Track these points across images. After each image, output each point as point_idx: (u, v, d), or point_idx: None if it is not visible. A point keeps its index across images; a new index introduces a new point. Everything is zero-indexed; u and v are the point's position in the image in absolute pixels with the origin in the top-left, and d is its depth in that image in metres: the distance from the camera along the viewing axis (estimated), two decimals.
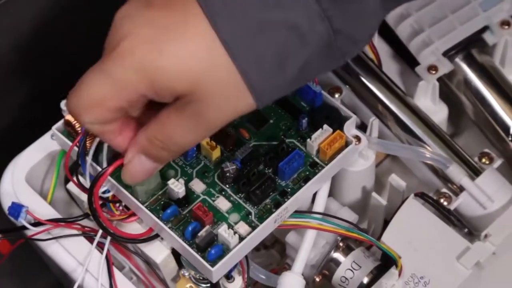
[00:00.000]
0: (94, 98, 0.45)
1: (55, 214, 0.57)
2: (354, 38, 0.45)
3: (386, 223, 0.58)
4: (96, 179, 0.52)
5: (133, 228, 0.55)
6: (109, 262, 0.55)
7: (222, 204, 0.53)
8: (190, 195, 0.53)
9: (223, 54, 0.43)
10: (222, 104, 0.44)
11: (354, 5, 0.44)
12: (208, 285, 0.55)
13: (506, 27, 0.65)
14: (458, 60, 0.65)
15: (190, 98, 0.44)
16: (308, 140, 0.55)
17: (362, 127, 0.62)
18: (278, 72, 0.44)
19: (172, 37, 0.43)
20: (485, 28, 0.66)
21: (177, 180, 0.53)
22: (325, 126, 0.55)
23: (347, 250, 0.57)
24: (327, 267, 0.57)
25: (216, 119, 0.45)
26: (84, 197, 0.56)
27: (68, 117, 0.56)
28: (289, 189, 0.54)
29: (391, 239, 0.55)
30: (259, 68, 0.43)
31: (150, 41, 0.43)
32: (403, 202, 0.57)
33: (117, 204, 0.54)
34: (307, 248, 0.55)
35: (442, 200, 0.59)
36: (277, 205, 0.53)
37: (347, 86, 0.64)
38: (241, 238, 0.52)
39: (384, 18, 0.66)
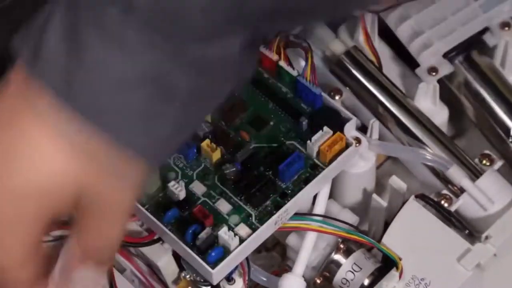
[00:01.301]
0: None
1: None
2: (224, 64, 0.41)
3: (386, 225, 0.58)
4: None
5: (134, 230, 0.55)
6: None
7: (223, 206, 0.53)
8: (190, 197, 0.53)
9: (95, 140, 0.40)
10: (112, 191, 0.42)
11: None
12: (209, 287, 0.55)
13: (507, 28, 0.65)
14: (458, 61, 0.65)
15: (84, 201, 0.41)
16: (308, 142, 0.55)
17: (363, 129, 0.61)
18: (149, 130, 0.41)
19: (20, 164, 0.40)
20: (485, 30, 0.65)
21: (178, 182, 0.53)
22: (325, 128, 0.55)
23: (347, 252, 0.57)
24: (328, 269, 0.57)
25: (118, 210, 0.43)
26: None
27: None
28: (289, 191, 0.54)
29: (391, 241, 0.55)
30: (138, 135, 0.40)
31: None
32: (403, 204, 0.57)
33: None
34: (308, 250, 0.55)
35: (442, 202, 0.59)
36: (278, 207, 0.53)
37: (347, 88, 0.64)
38: (242, 240, 0.52)
39: (384, 20, 0.66)
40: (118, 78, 0.39)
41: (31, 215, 0.41)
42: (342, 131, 0.56)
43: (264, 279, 0.56)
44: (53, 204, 0.41)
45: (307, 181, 0.54)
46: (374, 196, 0.60)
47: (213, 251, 0.51)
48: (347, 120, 0.56)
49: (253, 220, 0.53)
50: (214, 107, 0.45)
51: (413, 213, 0.57)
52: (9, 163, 0.41)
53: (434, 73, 0.64)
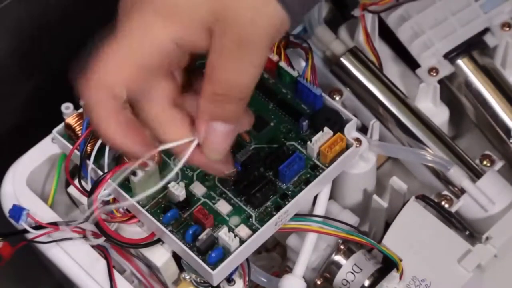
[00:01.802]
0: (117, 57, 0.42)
1: (56, 218, 0.57)
2: None
3: (387, 225, 0.58)
4: (96, 184, 0.52)
5: (134, 231, 0.55)
6: (110, 266, 0.55)
7: (223, 207, 0.53)
8: (190, 198, 0.53)
9: None
10: (252, 18, 0.41)
11: None
12: None
13: (507, 29, 0.65)
14: (459, 62, 0.65)
15: (221, 25, 0.41)
16: (309, 142, 0.55)
17: (363, 129, 0.61)
18: None
19: None
20: (486, 30, 0.65)
21: (178, 183, 0.53)
22: (326, 129, 0.55)
23: (348, 253, 0.57)
24: (328, 270, 0.57)
25: (258, 37, 0.41)
26: (85, 200, 0.56)
27: (69, 120, 0.56)
28: (289, 192, 0.54)
29: (392, 242, 0.55)
30: None
31: None
32: (404, 204, 0.57)
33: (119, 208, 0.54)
34: (308, 251, 0.55)
35: (443, 203, 0.59)
36: (278, 208, 0.53)
37: (348, 89, 0.64)
38: (242, 241, 0.52)
39: (384, 20, 0.66)
40: None
41: (170, 29, 0.41)
42: (342, 131, 0.55)
43: (264, 280, 0.56)
44: (189, 20, 0.41)
45: (307, 182, 0.54)
46: (375, 197, 0.60)
47: (213, 252, 0.51)
48: (347, 120, 0.56)
49: (254, 221, 0.53)
50: None
51: (414, 214, 0.56)
52: None
53: (434, 74, 0.64)
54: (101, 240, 0.54)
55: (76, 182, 0.55)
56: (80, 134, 0.55)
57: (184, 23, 0.41)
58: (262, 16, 0.42)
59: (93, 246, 0.56)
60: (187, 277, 0.55)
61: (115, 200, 0.54)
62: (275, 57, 0.58)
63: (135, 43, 0.42)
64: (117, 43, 0.42)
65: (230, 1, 0.41)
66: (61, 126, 0.56)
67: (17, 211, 0.56)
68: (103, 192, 0.53)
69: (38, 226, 0.55)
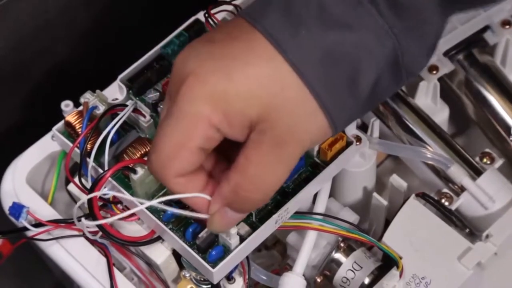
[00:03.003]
0: (173, 145, 0.44)
1: (55, 215, 0.57)
2: (418, 54, 0.44)
3: (387, 223, 0.58)
4: (96, 182, 0.52)
5: (134, 229, 0.55)
6: (110, 263, 0.55)
7: None
8: None
9: (292, 76, 0.43)
10: (295, 125, 0.43)
11: (414, 21, 0.43)
12: (209, 286, 0.55)
13: (507, 26, 0.65)
14: (459, 60, 0.65)
15: (263, 125, 0.43)
16: None
17: (363, 127, 0.61)
18: (349, 92, 0.43)
19: (239, 63, 0.43)
20: (486, 28, 0.65)
21: None
22: None
23: (348, 251, 0.57)
24: (328, 267, 0.57)
25: (294, 145, 0.44)
26: (85, 198, 0.55)
27: (69, 117, 0.56)
28: (290, 190, 0.54)
29: (392, 240, 0.55)
30: (330, 88, 0.43)
31: (217, 69, 0.43)
32: (404, 202, 0.57)
33: (118, 205, 0.54)
34: (308, 249, 0.55)
35: (443, 201, 0.59)
36: (278, 205, 0.53)
37: None
38: (242, 239, 0.52)
39: None
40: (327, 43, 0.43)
41: (215, 117, 0.43)
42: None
43: (265, 278, 0.56)
44: (234, 115, 0.43)
45: (307, 180, 0.54)
46: (375, 194, 0.60)
47: (214, 250, 0.51)
48: None
49: (254, 219, 0.53)
50: (402, 84, 0.46)
51: (414, 212, 0.56)
52: (230, 63, 0.43)
53: (434, 72, 0.64)
54: (98, 236, 0.54)
55: (76, 179, 0.55)
56: (80, 132, 0.54)
57: (230, 120, 0.43)
58: (302, 127, 0.43)
59: (93, 244, 0.56)
60: (187, 275, 0.55)
61: (114, 198, 0.54)
62: None
63: (188, 129, 0.44)
64: (171, 127, 0.44)
65: (280, 105, 0.43)
66: (61, 123, 0.56)
67: (17, 208, 0.56)
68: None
69: (38, 224, 0.55)
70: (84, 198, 0.51)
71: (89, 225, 0.52)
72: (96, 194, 0.51)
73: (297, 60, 0.42)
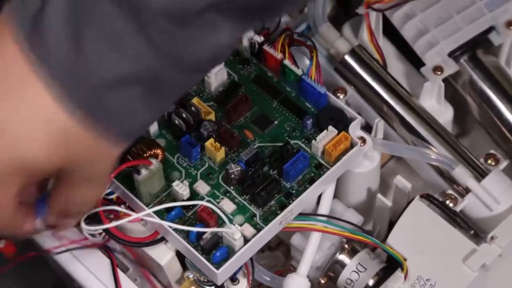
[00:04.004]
0: None
1: None
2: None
3: (391, 224, 0.57)
4: None
5: (138, 230, 0.54)
6: (114, 264, 0.55)
7: (227, 206, 0.53)
8: (194, 197, 0.53)
9: (75, 123, 0.42)
10: (96, 162, 0.44)
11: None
12: (213, 287, 0.54)
13: None
14: (463, 60, 0.65)
15: (69, 168, 0.44)
16: (313, 141, 0.55)
17: (367, 128, 0.61)
18: (131, 117, 0.43)
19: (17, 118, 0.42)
20: (490, 29, 0.65)
21: (182, 182, 0.53)
22: (330, 128, 0.55)
23: (352, 252, 0.57)
24: (332, 269, 0.57)
25: (100, 175, 0.45)
26: None
27: None
28: (294, 191, 0.54)
29: (396, 241, 0.55)
30: (113, 121, 0.43)
31: None
32: (408, 203, 0.57)
33: (122, 205, 0.54)
34: (312, 250, 0.55)
35: (447, 202, 0.59)
36: (282, 207, 0.53)
37: (352, 87, 0.64)
38: (246, 240, 0.51)
39: (389, 18, 0.66)
40: (113, 76, 0.41)
41: (15, 183, 0.44)
42: (347, 130, 0.55)
43: (268, 279, 0.56)
44: (33, 176, 0.44)
45: (312, 181, 0.54)
46: (379, 196, 0.60)
47: (218, 251, 0.51)
48: (352, 119, 0.56)
49: (258, 220, 0.52)
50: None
51: (418, 213, 0.56)
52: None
53: (439, 72, 0.64)
54: (101, 238, 0.54)
55: None
56: None
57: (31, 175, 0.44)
58: (103, 161, 0.44)
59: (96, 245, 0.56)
60: (191, 276, 0.55)
61: (118, 199, 0.54)
62: (279, 55, 0.58)
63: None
64: None
65: (71, 152, 0.43)
66: None
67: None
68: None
69: None
70: None
71: (92, 228, 0.52)
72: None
73: (77, 103, 0.42)
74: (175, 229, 0.52)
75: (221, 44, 0.42)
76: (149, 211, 0.51)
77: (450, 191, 0.59)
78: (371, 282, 0.56)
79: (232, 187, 0.54)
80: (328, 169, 0.54)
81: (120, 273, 0.55)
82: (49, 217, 0.48)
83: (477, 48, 0.65)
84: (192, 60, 0.42)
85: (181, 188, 0.52)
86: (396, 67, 0.67)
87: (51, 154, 0.42)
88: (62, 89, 0.41)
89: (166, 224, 0.51)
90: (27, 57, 0.41)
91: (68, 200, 0.47)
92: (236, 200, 0.53)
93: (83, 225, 0.52)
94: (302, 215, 0.55)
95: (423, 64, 0.64)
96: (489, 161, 0.61)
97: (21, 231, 0.48)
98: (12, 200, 0.45)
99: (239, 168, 0.53)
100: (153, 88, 0.42)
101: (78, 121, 0.42)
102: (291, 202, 0.53)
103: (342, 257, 0.57)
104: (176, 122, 0.55)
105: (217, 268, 0.50)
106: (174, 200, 0.53)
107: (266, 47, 0.58)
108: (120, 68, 0.41)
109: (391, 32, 0.67)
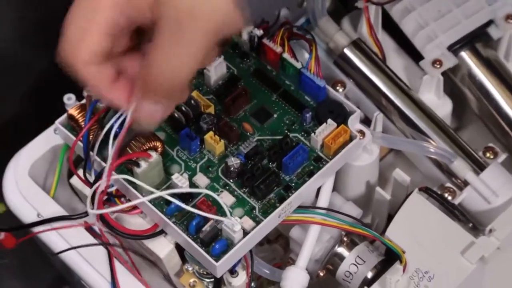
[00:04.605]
0: (77, 29, 0.43)
1: (58, 208, 0.57)
2: None
3: (390, 217, 0.58)
4: (99, 175, 0.51)
5: (137, 222, 0.54)
6: (111, 257, 0.55)
7: (226, 198, 0.53)
8: None
9: None
10: (194, 6, 0.41)
11: None
12: (212, 280, 0.55)
13: (511, 21, 0.65)
14: (462, 54, 0.65)
15: (165, 7, 0.41)
16: (312, 134, 0.55)
17: (366, 121, 0.61)
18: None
19: None
20: (490, 22, 0.65)
21: (181, 174, 0.53)
22: (329, 121, 0.55)
23: (351, 245, 0.57)
24: (331, 261, 0.57)
25: (194, 29, 0.41)
26: (87, 191, 0.55)
27: (71, 111, 0.56)
28: (293, 184, 0.54)
29: (395, 234, 0.55)
30: None
31: None
32: (407, 196, 0.57)
33: (122, 198, 0.54)
34: (311, 243, 0.55)
35: (446, 195, 0.59)
36: (281, 199, 0.53)
37: (351, 80, 0.64)
38: (245, 233, 0.51)
39: (388, 12, 0.66)
40: None
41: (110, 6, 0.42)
42: (346, 123, 0.55)
43: (267, 271, 0.56)
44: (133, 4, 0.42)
45: (311, 174, 0.54)
46: (378, 189, 0.60)
47: (217, 243, 0.51)
48: (351, 112, 0.56)
49: (257, 213, 0.53)
50: None
51: (417, 206, 0.56)
52: None
53: (438, 66, 0.64)
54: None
55: (80, 172, 0.55)
56: (83, 125, 0.54)
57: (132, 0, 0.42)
58: (202, 7, 0.41)
59: (95, 236, 0.56)
60: (190, 269, 0.55)
61: (118, 192, 0.54)
62: (278, 49, 0.58)
63: (89, 12, 0.43)
64: (74, 12, 0.44)
65: None
66: (63, 117, 0.56)
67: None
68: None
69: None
70: (88, 190, 0.51)
71: (91, 216, 0.52)
72: (100, 185, 0.51)
73: None
74: (174, 222, 0.52)
75: None
76: (158, 193, 0.51)
77: (448, 184, 0.60)
78: (369, 275, 0.56)
79: (231, 180, 0.54)
80: (327, 162, 0.55)
81: (118, 265, 0.55)
82: (138, 83, 0.44)
83: (476, 41, 0.65)
84: None
85: (180, 180, 0.52)
86: (395, 60, 0.67)
87: None
88: None
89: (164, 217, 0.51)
90: None
91: (156, 62, 0.42)
92: (235, 193, 0.53)
93: (89, 209, 0.52)
94: (301, 208, 0.55)
95: (422, 58, 0.64)
96: (488, 154, 0.61)
97: (107, 93, 0.45)
98: (104, 27, 0.42)
99: (238, 161, 0.53)
100: None
101: None
102: (290, 195, 0.53)
103: (341, 249, 0.57)
104: (176, 115, 0.55)
105: (217, 261, 0.50)
106: (174, 193, 0.53)
107: (265, 41, 0.58)
108: None
109: (390, 26, 0.67)
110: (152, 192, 0.52)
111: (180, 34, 0.42)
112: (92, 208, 0.52)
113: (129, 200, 0.54)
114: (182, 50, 0.42)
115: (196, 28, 0.42)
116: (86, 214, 0.54)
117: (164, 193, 0.51)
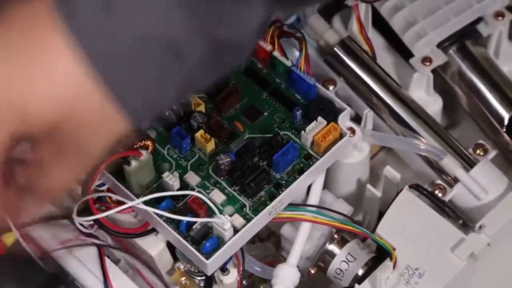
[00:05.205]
0: None
1: (49, 207, 0.57)
2: (236, 45, 0.43)
3: (381, 215, 0.58)
4: (90, 174, 0.52)
5: (128, 221, 0.55)
6: (102, 255, 0.55)
7: (217, 196, 0.53)
8: (184, 188, 0.53)
9: (93, 81, 0.41)
10: (98, 130, 0.42)
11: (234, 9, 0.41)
12: (203, 278, 0.55)
13: (500, 18, 0.65)
14: (452, 51, 0.65)
15: (62, 127, 0.42)
16: (303, 132, 0.55)
17: (357, 119, 0.61)
18: (156, 95, 0.42)
19: (33, 66, 0.41)
20: (479, 20, 0.65)
21: (172, 173, 0.53)
22: (320, 118, 0.55)
23: (342, 242, 0.57)
24: (322, 259, 0.57)
25: (94, 148, 0.43)
26: (78, 190, 0.55)
27: None
28: (283, 182, 0.54)
29: (385, 231, 0.55)
30: (134, 91, 0.41)
31: (9, 74, 0.41)
32: (397, 194, 0.57)
33: (113, 197, 0.54)
34: (302, 241, 0.55)
35: (436, 192, 0.59)
36: (272, 197, 0.53)
37: (341, 78, 0.64)
38: (236, 231, 0.52)
39: (378, 10, 0.66)
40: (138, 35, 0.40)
41: (9, 125, 0.42)
42: (336, 121, 0.56)
43: (259, 269, 0.56)
44: (27, 124, 0.42)
45: (301, 171, 0.54)
46: (368, 186, 0.60)
47: (208, 241, 0.51)
48: (341, 110, 0.56)
49: (247, 211, 0.53)
50: (215, 79, 0.45)
51: (407, 203, 0.57)
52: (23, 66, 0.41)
53: (428, 63, 0.64)
54: (93, 230, 0.54)
55: None
56: None
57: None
58: (105, 132, 0.42)
59: (86, 236, 0.56)
60: (181, 267, 0.55)
61: (109, 190, 0.54)
62: (268, 47, 0.58)
63: None
64: None
65: (78, 108, 0.41)
66: None
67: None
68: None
69: None
70: (79, 190, 0.51)
71: (83, 219, 0.53)
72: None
73: (100, 65, 0.40)
74: (165, 220, 0.52)
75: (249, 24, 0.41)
76: (139, 200, 0.51)
77: (439, 181, 0.60)
78: (360, 272, 0.56)
79: (222, 178, 0.54)
80: (317, 159, 0.55)
81: (110, 265, 0.55)
82: (12, 191, 0.45)
83: (465, 39, 0.65)
84: (221, 35, 0.41)
85: (171, 179, 0.53)
86: (385, 58, 0.67)
87: (56, 105, 0.41)
88: (84, 47, 0.40)
89: (155, 211, 0.52)
90: (54, 12, 0.40)
91: (44, 171, 0.43)
92: (226, 191, 0.54)
93: (74, 216, 0.52)
94: (291, 206, 0.55)
95: (412, 55, 0.65)
96: (478, 151, 0.61)
97: None
98: None
99: (229, 159, 0.54)
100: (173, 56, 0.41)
101: (93, 81, 0.40)
102: (280, 192, 0.53)
103: (332, 247, 0.57)
104: (166, 113, 0.55)
105: (207, 258, 0.51)
106: (164, 191, 0.53)
107: None
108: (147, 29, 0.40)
109: (380, 24, 0.67)
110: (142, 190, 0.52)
111: (81, 150, 0.43)
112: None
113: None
114: (80, 164, 0.44)
115: (95, 144, 0.43)
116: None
117: (155, 195, 0.51)
